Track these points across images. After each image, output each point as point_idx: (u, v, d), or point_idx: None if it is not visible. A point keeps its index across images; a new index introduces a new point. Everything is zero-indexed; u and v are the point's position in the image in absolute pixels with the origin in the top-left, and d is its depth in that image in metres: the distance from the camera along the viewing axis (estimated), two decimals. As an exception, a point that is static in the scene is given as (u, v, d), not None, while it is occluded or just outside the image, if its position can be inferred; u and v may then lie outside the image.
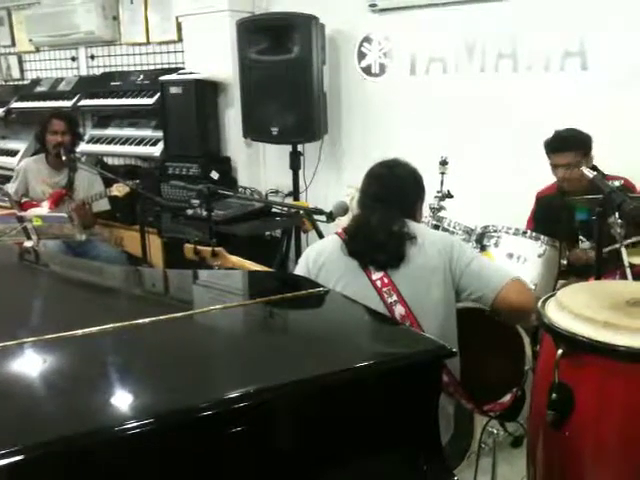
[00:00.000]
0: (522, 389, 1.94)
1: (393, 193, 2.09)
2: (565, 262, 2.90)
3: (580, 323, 1.58)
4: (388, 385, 1.35)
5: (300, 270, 2.09)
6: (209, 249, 2.56)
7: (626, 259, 2.44)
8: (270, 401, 1.20)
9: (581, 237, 3.16)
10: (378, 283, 1.93)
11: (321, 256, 2.04)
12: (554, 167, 3.12)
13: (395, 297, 1.90)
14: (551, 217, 3.09)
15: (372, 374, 1.33)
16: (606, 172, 3.00)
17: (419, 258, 1.96)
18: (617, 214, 2.39)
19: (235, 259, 2.56)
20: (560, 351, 1.58)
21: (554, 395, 1.56)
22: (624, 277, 2.45)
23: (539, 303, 1.77)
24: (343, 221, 2.34)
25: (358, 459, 1.33)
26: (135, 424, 1.05)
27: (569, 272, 2.94)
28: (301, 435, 1.27)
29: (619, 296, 1.70)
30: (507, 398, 1.94)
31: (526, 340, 2.47)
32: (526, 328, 2.22)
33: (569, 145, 3.05)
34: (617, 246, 2.38)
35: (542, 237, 2.81)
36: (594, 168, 3.12)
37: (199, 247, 2.62)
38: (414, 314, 1.89)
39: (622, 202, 2.16)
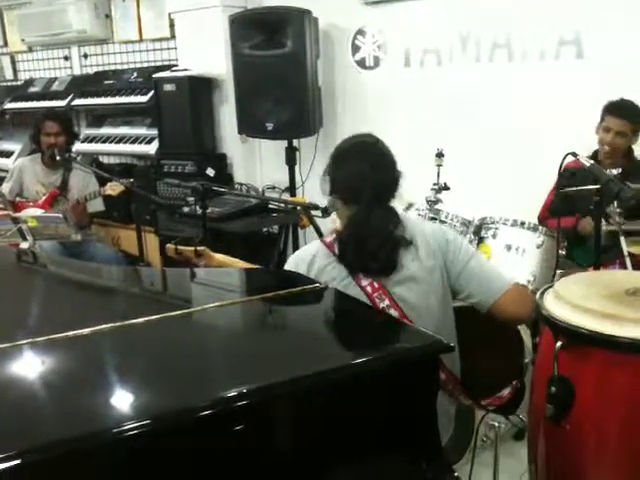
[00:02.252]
0: (522, 382, 1.92)
1: (382, 176, 1.90)
2: (565, 244, 2.87)
3: (579, 314, 1.56)
4: (386, 381, 1.34)
5: None
6: (191, 249, 2.45)
7: (625, 248, 2.43)
8: (268, 400, 1.19)
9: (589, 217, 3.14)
10: (368, 289, 1.84)
11: (313, 266, 1.92)
12: (606, 130, 3.12)
13: (387, 301, 1.82)
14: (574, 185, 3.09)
15: (370, 370, 1.32)
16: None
17: (413, 264, 1.86)
18: (615, 203, 2.38)
19: (220, 257, 2.49)
20: (559, 343, 1.56)
21: (553, 388, 1.55)
22: (624, 267, 2.44)
23: (537, 294, 1.75)
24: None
25: (356, 457, 1.32)
26: (134, 425, 1.04)
27: (569, 257, 2.92)
28: (298, 433, 1.26)
29: (618, 286, 1.68)
30: (506, 392, 1.91)
31: (525, 332, 2.46)
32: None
33: (629, 114, 3.07)
34: (614, 228, 2.36)
35: (540, 228, 2.80)
36: (630, 150, 3.13)
37: (180, 247, 2.50)
38: (408, 317, 1.82)
39: (620, 191, 2.14)
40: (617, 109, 3.09)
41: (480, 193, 3.61)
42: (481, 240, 2.85)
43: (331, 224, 2.10)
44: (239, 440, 1.16)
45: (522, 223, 2.84)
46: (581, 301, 1.59)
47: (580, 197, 3.04)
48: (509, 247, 2.79)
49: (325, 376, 1.25)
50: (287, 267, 1.99)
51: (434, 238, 1.91)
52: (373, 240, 1.83)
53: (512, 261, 2.77)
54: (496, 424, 2.38)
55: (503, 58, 3.76)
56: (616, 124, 3.09)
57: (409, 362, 1.38)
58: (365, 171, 1.88)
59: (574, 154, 2.74)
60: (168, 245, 2.57)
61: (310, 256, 1.93)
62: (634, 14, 3.31)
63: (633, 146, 3.17)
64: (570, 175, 3.22)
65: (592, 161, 2.30)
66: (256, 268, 2.47)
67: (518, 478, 2.47)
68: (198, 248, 2.43)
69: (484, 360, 2.02)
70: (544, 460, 1.73)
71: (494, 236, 2.83)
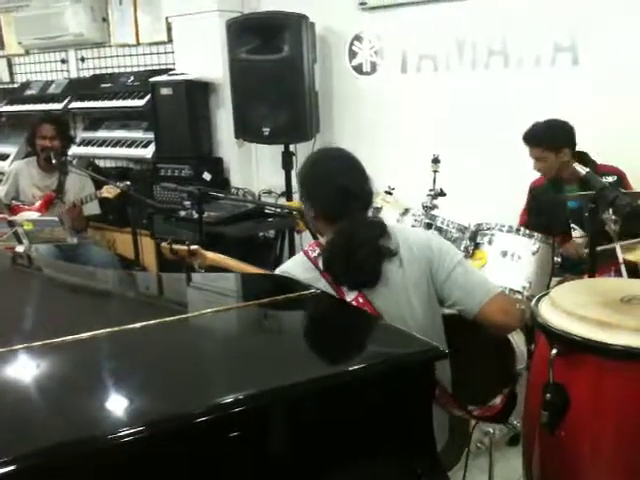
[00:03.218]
0: (513, 390, 1.91)
1: (362, 185, 1.90)
2: (559, 259, 2.90)
3: (574, 322, 1.56)
4: (382, 387, 1.34)
5: None
6: (185, 248, 2.48)
7: (620, 255, 2.43)
8: (264, 406, 1.19)
9: (573, 225, 3.16)
10: (353, 304, 1.81)
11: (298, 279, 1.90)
12: (531, 158, 3.17)
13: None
14: (543, 208, 3.11)
15: (366, 376, 1.32)
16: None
17: (397, 275, 1.84)
18: (611, 210, 2.38)
19: (214, 256, 2.50)
20: (554, 351, 1.56)
21: (548, 395, 1.55)
22: (619, 274, 2.44)
23: (533, 302, 1.75)
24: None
25: (351, 463, 1.32)
26: (130, 431, 1.04)
27: (563, 267, 2.94)
28: (294, 439, 1.25)
29: (613, 294, 1.68)
30: (498, 400, 1.90)
31: (520, 339, 2.46)
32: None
33: (537, 140, 3.10)
34: (610, 246, 2.37)
35: (536, 234, 2.80)
36: (583, 157, 3.13)
37: (175, 246, 2.53)
38: None
39: (615, 198, 2.14)
40: (529, 138, 3.12)
41: (476, 199, 3.62)
42: (477, 246, 2.85)
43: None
44: (235, 446, 1.16)
45: (518, 229, 2.84)
46: (576, 309, 1.59)
47: (553, 212, 3.06)
48: (505, 253, 2.79)
49: (321, 382, 1.25)
50: None
51: (418, 246, 1.89)
52: (361, 251, 1.81)
53: (508, 267, 2.77)
54: (491, 430, 2.39)
55: (499, 64, 3.78)
56: (533, 152, 3.14)
57: (405, 368, 1.38)
58: (346, 185, 1.87)
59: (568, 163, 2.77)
60: (163, 244, 2.59)
61: (294, 269, 1.91)
62: (630, 21, 3.33)
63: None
64: (539, 193, 3.29)
65: (587, 169, 2.31)
66: (258, 273, 2.47)
67: (513, 484, 2.47)
68: (192, 247, 2.45)
69: (475, 368, 2.01)
70: (539, 467, 1.73)
71: (490, 242, 2.83)
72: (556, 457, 1.63)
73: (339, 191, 1.87)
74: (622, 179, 3.08)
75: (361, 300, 1.82)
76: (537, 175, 3.30)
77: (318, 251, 1.90)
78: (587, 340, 1.51)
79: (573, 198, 2.94)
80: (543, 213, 3.12)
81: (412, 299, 1.85)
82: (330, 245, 1.87)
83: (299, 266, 1.92)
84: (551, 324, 1.60)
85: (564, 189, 3.17)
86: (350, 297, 1.83)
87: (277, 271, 2.00)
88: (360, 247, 1.81)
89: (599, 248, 2.32)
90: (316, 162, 2.00)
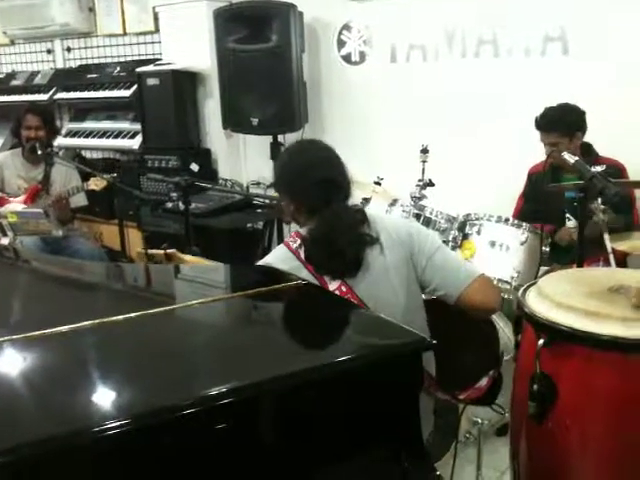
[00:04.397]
0: (498, 371, 1.91)
1: (341, 175, 1.92)
2: (549, 241, 2.89)
3: (561, 312, 1.55)
4: (368, 378, 1.33)
5: None
6: (161, 252, 2.43)
7: (609, 245, 2.43)
8: (250, 397, 1.17)
9: (568, 215, 3.16)
10: (336, 293, 1.82)
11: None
12: (544, 144, 3.13)
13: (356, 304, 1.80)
14: (540, 195, 3.10)
15: (352, 367, 1.31)
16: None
17: (378, 261, 1.86)
18: (599, 199, 2.38)
19: (191, 258, 2.48)
20: (541, 341, 1.55)
21: (535, 386, 1.54)
22: (607, 263, 2.44)
23: (520, 292, 1.74)
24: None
25: (335, 455, 1.30)
26: (116, 424, 1.03)
27: (552, 258, 2.94)
28: (280, 431, 1.24)
29: (601, 283, 1.67)
30: (484, 382, 1.90)
31: (508, 327, 2.46)
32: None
33: (552, 126, 3.08)
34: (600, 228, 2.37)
35: (524, 224, 2.80)
36: (587, 147, 3.14)
37: (151, 251, 2.48)
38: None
39: (604, 188, 2.14)
40: (544, 124, 3.10)
41: (465, 189, 3.61)
42: (465, 236, 2.85)
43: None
44: (221, 438, 1.15)
45: (506, 220, 2.85)
46: (564, 299, 1.58)
47: (549, 201, 3.06)
48: (493, 243, 2.79)
49: (308, 374, 1.24)
50: None
51: (398, 233, 1.91)
52: (342, 239, 1.82)
53: (496, 257, 2.77)
54: (479, 420, 2.39)
55: (489, 54, 3.76)
56: (545, 138, 3.11)
57: (392, 359, 1.37)
58: (327, 176, 1.89)
59: (556, 152, 2.76)
60: (138, 250, 2.56)
61: (276, 262, 1.91)
62: (619, 10, 3.32)
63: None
64: (530, 182, 3.28)
65: (576, 157, 2.30)
66: (244, 264, 2.45)
67: (501, 474, 2.47)
68: (167, 251, 2.42)
69: (459, 352, 2.00)
70: (526, 457, 1.72)
71: (478, 232, 2.83)
72: (543, 448, 1.63)
73: (321, 182, 1.88)
74: (621, 172, 3.08)
75: (344, 289, 1.83)
76: (534, 162, 3.29)
77: (299, 242, 1.90)
78: (574, 330, 1.50)
79: (566, 188, 2.93)
80: (539, 201, 3.12)
81: (394, 285, 1.86)
82: (311, 235, 1.87)
83: (280, 258, 1.92)
84: (538, 314, 1.59)
85: (562, 178, 3.16)
86: (333, 286, 1.84)
87: (261, 263, 1.99)
88: (341, 235, 1.82)
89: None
90: (294, 154, 2.01)
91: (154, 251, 2.48)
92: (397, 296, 1.85)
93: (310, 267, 1.86)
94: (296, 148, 2.06)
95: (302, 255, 1.88)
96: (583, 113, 3.09)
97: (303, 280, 1.72)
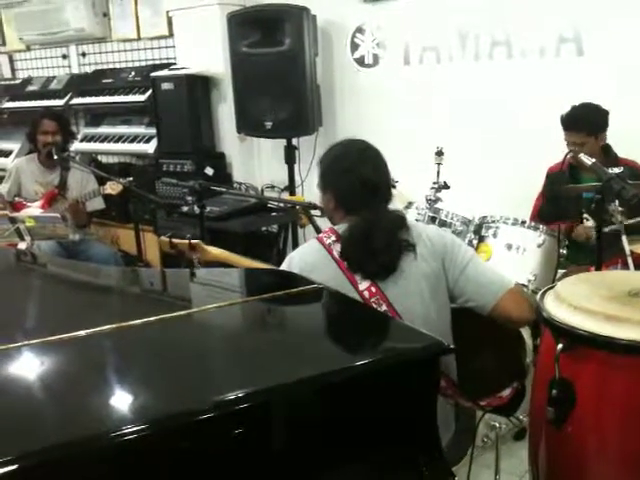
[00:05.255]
0: (522, 384, 1.90)
1: (385, 179, 1.95)
2: (566, 243, 2.87)
3: (580, 316, 1.54)
4: (386, 383, 1.32)
5: None
6: (186, 242, 2.45)
7: (627, 247, 2.41)
8: (268, 402, 1.17)
9: (586, 215, 3.14)
10: (366, 294, 1.82)
11: (310, 267, 1.89)
12: (568, 144, 3.12)
13: (385, 307, 1.81)
14: (559, 195, 3.08)
15: (369, 372, 1.30)
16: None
17: (412, 267, 1.85)
18: (617, 202, 2.36)
19: (215, 251, 2.48)
20: (560, 345, 1.54)
21: (554, 391, 1.53)
22: (625, 266, 2.42)
23: (538, 295, 1.73)
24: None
25: (353, 458, 1.30)
26: (133, 429, 1.03)
27: (568, 258, 2.91)
28: (298, 435, 1.24)
29: (620, 287, 1.66)
30: (507, 392, 1.89)
31: (527, 333, 2.44)
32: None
33: (578, 125, 3.07)
34: (616, 226, 2.35)
35: (541, 227, 2.78)
36: (607, 148, 3.12)
37: (175, 240, 2.50)
38: (404, 320, 1.78)
39: (621, 189, 2.12)
40: (571, 123, 3.09)
41: (480, 192, 3.60)
42: (481, 239, 2.83)
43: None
44: (239, 443, 1.14)
45: (523, 222, 2.82)
46: (582, 302, 1.57)
47: (567, 201, 3.04)
48: (510, 246, 2.77)
49: (325, 378, 1.24)
50: (284, 266, 1.97)
51: (433, 242, 1.90)
52: (379, 240, 1.82)
53: (513, 260, 2.75)
54: (497, 424, 2.37)
55: (502, 55, 3.75)
56: (572, 137, 3.09)
57: (409, 363, 1.36)
58: (368, 177, 1.89)
59: (575, 151, 2.74)
60: (162, 238, 2.56)
61: (307, 256, 1.92)
62: (634, 11, 3.29)
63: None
64: (549, 181, 3.26)
65: (593, 159, 2.28)
66: (262, 268, 2.45)
67: (519, 479, 2.46)
68: (192, 241, 2.42)
69: (485, 361, 2.01)
70: (545, 462, 1.71)
71: (495, 235, 2.81)
72: (562, 452, 1.62)
73: (361, 183, 1.89)
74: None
75: (373, 289, 1.83)
76: (549, 163, 3.27)
77: (333, 238, 1.90)
78: (593, 334, 1.49)
79: (584, 189, 2.91)
80: (558, 201, 3.10)
81: (423, 292, 1.85)
82: (350, 232, 1.87)
83: (311, 251, 1.93)
84: (557, 318, 1.58)
85: (581, 177, 3.14)
86: (363, 286, 1.84)
87: (289, 256, 2.00)
88: (379, 237, 1.82)
89: (606, 229, 2.30)
90: (339, 153, 1.99)
91: (179, 241, 2.49)
92: (425, 304, 1.85)
93: (342, 264, 1.86)
94: (340, 146, 2.03)
95: (334, 251, 1.88)
96: (607, 113, 3.08)
97: (320, 284, 1.73)
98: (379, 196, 1.91)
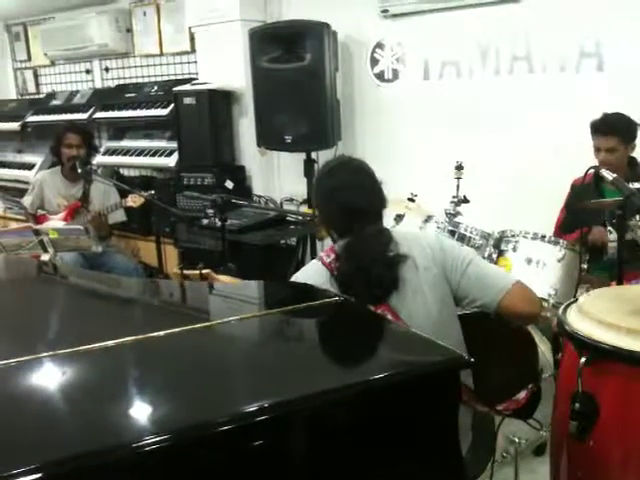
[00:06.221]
0: (538, 385, 1.89)
1: (373, 200, 1.94)
2: (587, 258, 2.84)
3: (603, 330, 1.54)
4: (406, 396, 1.32)
5: None
6: (197, 272, 2.49)
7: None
8: (288, 415, 1.17)
9: (609, 228, 3.12)
10: (371, 306, 1.82)
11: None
12: (596, 150, 3.11)
13: (390, 317, 1.81)
14: (582, 208, 3.07)
15: (390, 385, 1.30)
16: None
17: (413, 277, 1.86)
18: (638, 217, 2.35)
19: (225, 279, 2.52)
20: (583, 359, 1.54)
21: (577, 405, 1.52)
22: (647, 281, 2.41)
23: (560, 310, 1.73)
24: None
25: (375, 473, 1.30)
26: (155, 439, 1.03)
27: (589, 272, 2.89)
28: (318, 448, 1.23)
29: (642, 301, 1.65)
30: (522, 395, 1.88)
31: (546, 346, 2.43)
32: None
33: (613, 130, 3.05)
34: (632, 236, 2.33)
35: (561, 241, 2.77)
36: (633, 161, 3.10)
37: (187, 272, 2.55)
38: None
39: (643, 204, 2.11)
40: (602, 127, 3.07)
41: (500, 206, 3.59)
42: (501, 253, 2.83)
43: None
44: (259, 455, 1.15)
45: (543, 236, 2.81)
46: (605, 316, 1.57)
47: (590, 212, 3.02)
48: (529, 260, 2.76)
49: (345, 391, 1.24)
50: None
51: (431, 248, 1.91)
52: (375, 267, 1.84)
53: (532, 275, 2.73)
54: (516, 439, 2.36)
55: (523, 70, 3.75)
56: (604, 142, 3.06)
57: (429, 377, 1.36)
58: (348, 202, 1.90)
59: (596, 167, 2.72)
60: (174, 270, 2.61)
61: (309, 276, 1.93)
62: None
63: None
64: (574, 193, 3.23)
65: (615, 175, 2.27)
66: (280, 281, 2.48)
67: (539, 495, 2.43)
68: (203, 271, 2.46)
69: (498, 365, 1.99)
70: (567, 476, 1.70)
71: (514, 249, 2.80)
72: (585, 467, 1.61)
73: (341, 209, 1.91)
74: None
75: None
76: (569, 178, 3.25)
77: (333, 256, 1.92)
78: (616, 348, 1.49)
79: (606, 205, 2.89)
80: (581, 213, 3.08)
81: (428, 300, 1.86)
82: (342, 267, 1.88)
83: (314, 274, 1.94)
84: (579, 332, 1.57)
85: (605, 190, 3.13)
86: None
87: (294, 277, 2.01)
88: (373, 264, 1.84)
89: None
90: (324, 176, 2.02)
91: (190, 272, 2.53)
92: (431, 311, 1.85)
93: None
94: (327, 169, 2.05)
95: (335, 271, 1.90)
96: (638, 125, 3.08)
97: (340, 296, 1.73)
98: (362, 219, 1.90)
